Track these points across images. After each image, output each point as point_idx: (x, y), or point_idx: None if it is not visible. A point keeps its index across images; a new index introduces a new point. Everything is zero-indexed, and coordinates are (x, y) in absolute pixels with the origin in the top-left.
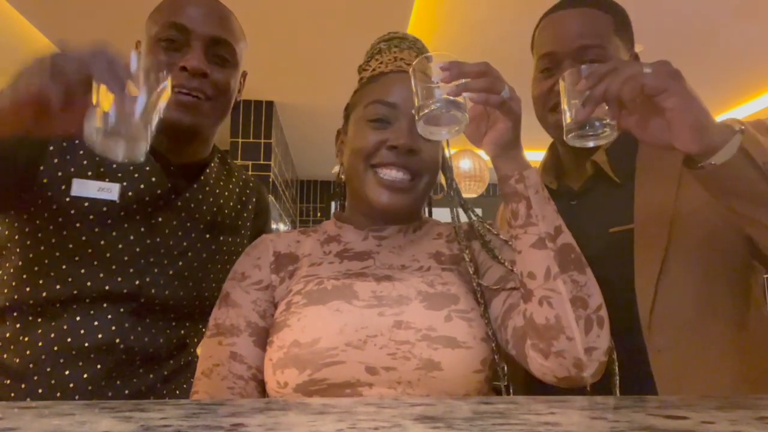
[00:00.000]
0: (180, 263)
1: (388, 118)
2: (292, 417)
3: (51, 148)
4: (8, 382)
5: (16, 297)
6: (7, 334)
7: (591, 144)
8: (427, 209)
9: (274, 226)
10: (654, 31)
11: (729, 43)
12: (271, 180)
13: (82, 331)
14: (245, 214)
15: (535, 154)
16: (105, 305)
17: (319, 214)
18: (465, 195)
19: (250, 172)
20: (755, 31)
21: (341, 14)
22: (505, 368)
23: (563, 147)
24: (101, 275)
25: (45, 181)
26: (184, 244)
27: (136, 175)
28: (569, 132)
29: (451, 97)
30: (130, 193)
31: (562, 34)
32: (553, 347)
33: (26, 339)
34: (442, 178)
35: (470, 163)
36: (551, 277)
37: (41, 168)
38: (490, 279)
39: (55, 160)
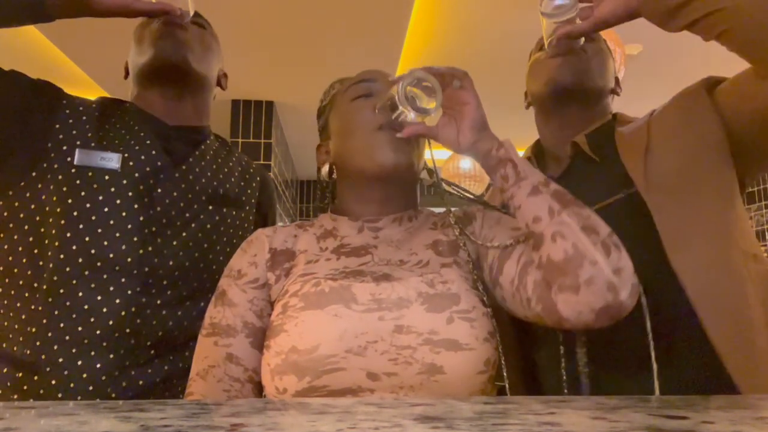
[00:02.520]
0: (183, 234)
1: (369, 90)
2: (292, 417)
3: (57, 125)
4: (20, 375)
5: (29, 271)
6: (16, 326)
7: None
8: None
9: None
10: (654, 31)
11: None
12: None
13: (92, 320)
14: (249, 191)
15: None
16: (111, 288)
17: (319, 215)
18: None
19: None
20: None
21: (341, 14)
22: (504, 369)
23: (546, 128)
24: (105, 243)
25: (53, 155)
26: (187, 215)
27: (137, 147)
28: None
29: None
30: (131, 163)
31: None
32: (581, 277)
33: (34, 330)
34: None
35: (470, 163)
36: (555, 213)
37: (49, 144)
38: (496, 251)
39: (60, 136)
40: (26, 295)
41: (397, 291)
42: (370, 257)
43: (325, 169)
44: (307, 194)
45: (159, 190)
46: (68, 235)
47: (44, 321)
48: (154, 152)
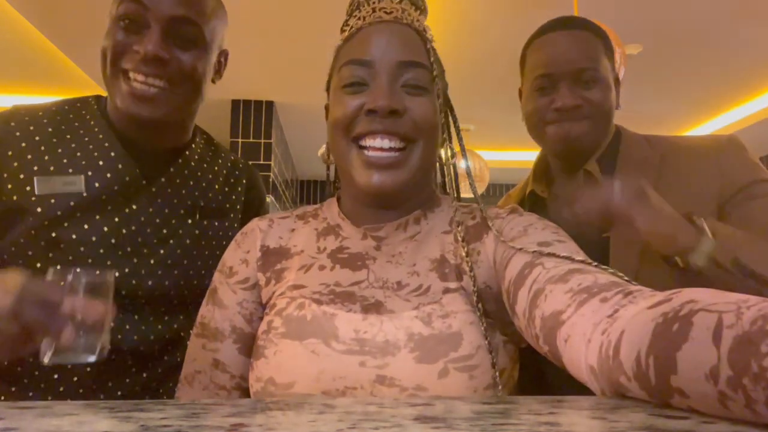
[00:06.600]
0: (161, 251)
1: (364, 79)
2: (292, 417)
3: (9, 153)
4: None
5: None
6: None
7: None
8: (455, 185)
9: None
10: (653, 31)
11: (728, 44)
12: (271, 180)
13: None
14: (234, 197)
15: (529, 154)
16: None
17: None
18: (463, 195)
19: None
20: (754, 32)
21: (342, 14)
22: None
23: (554, 160)
24: (77, 270)
25: (9, 186)
26: (164, 231)
27: (101, 163)
28: None
29: None
30: (96, 184)
31: (558, 55)
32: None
33: None
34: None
35: (470, 163)
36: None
37: (5, 176)
38: (513, 272)
39: (15, 164)
40: None
41: (385, 331)
42: (366, 273)
43: (323, 149)
44: (307, 194)
45: (133, 207)
46: (38, 265)
47: None
48: (121, 166)
